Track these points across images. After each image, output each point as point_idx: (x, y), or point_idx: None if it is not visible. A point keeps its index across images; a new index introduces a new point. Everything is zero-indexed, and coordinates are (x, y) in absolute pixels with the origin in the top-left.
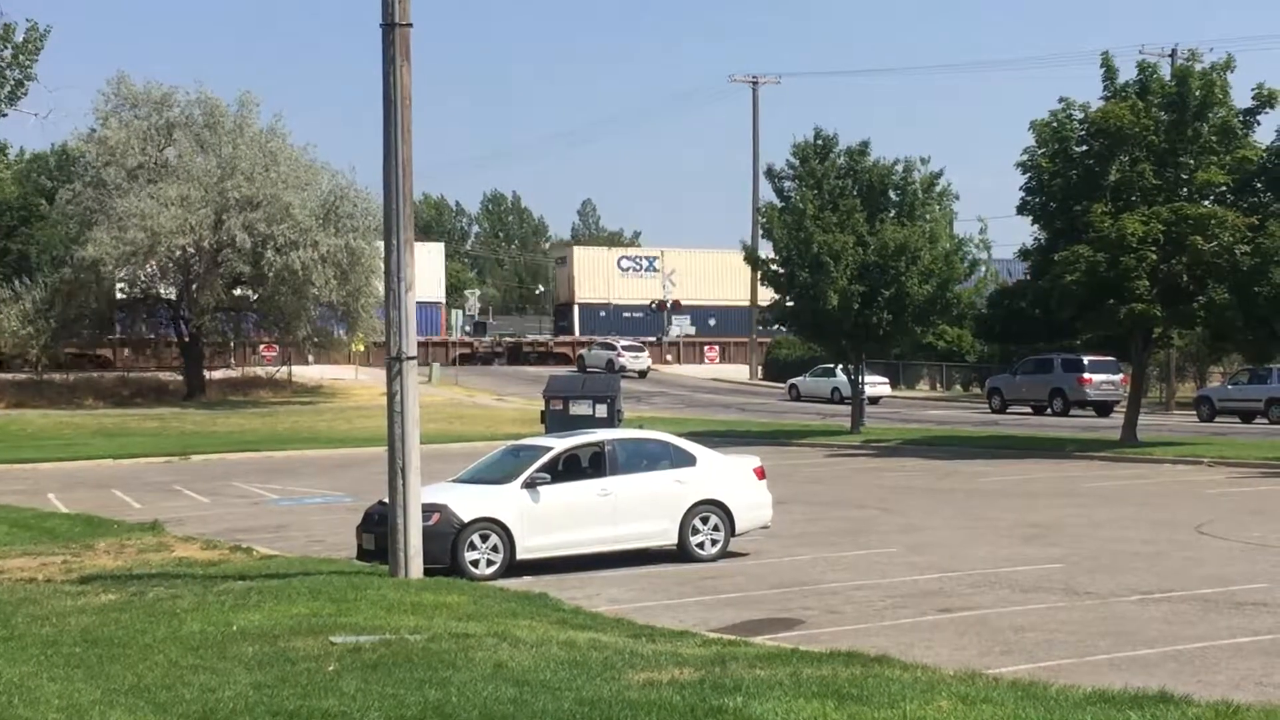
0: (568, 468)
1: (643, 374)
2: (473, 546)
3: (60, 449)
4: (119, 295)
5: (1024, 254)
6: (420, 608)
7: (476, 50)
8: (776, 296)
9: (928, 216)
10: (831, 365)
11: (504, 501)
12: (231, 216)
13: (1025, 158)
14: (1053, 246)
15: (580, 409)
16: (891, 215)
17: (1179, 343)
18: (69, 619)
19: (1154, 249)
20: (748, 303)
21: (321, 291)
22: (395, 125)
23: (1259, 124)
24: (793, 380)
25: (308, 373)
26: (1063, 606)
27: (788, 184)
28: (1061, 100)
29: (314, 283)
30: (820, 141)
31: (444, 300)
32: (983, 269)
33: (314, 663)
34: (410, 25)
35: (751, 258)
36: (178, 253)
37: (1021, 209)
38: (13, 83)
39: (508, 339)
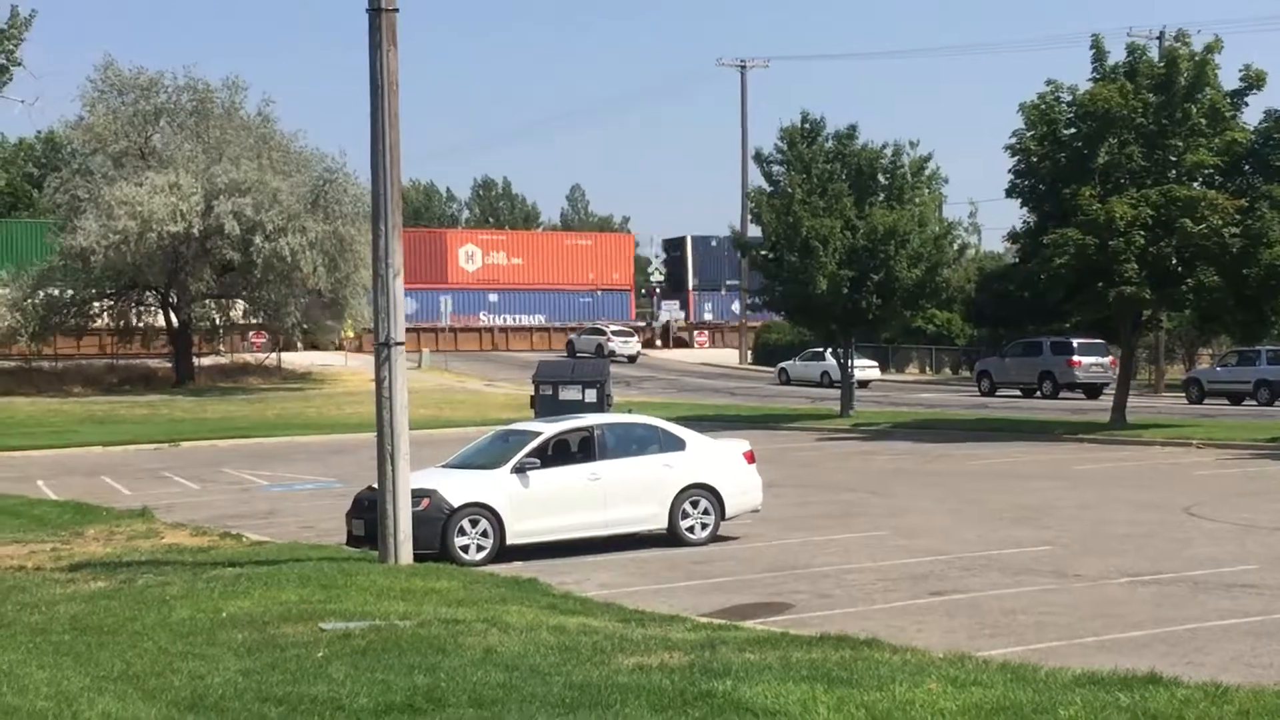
0: (557, 453)
1: (632, 359)
2: (462, 532)
3: (49, 436)
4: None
5: (1013, 237)
6: (410, 593)
7: (466, 35)
8: (766, 281)
9: (917, 200)
10: (821, 349)
11: (494, 486)
12: (221, 203)
13: (1014, 140)
14: (1042, 229)
15: (570, 394)
16: (880, 199)
17: (1168, 325)
18: (58, 606)
19: (1143, 232)
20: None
21: (310, 278)
22: (382, 110)
23: (1247, 105)
24: (782, 364)
25: (297, 359)
26: (1052, 589)
27: (776, 168)
28: (1049, 83)
29: (302, 269)
30: (808, 125)
31: None
32: (972, 251)
33: (303, 649)
34: (397, 10)
35: (741, 243)
36: (167, 240)
37: (1010, 192)
38: None
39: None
